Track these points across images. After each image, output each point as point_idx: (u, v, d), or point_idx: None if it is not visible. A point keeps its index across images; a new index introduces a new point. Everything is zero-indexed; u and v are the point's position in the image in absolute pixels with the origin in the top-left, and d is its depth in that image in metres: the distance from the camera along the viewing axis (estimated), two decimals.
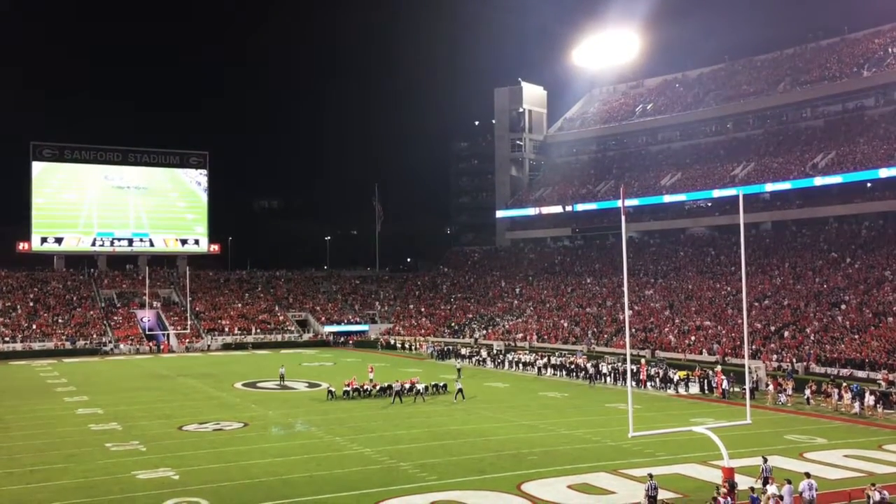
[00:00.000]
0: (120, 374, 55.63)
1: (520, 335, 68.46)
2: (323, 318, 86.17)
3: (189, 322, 78.35)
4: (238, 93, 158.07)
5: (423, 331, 78.64)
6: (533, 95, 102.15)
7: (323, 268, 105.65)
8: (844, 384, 37.87)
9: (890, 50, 71.85)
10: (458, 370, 50.23)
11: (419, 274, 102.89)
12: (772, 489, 19.23)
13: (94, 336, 74.79)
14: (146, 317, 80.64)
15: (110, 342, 74.29)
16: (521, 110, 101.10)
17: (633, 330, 59.06)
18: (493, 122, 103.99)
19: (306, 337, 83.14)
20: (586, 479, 23.37)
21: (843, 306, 52.41)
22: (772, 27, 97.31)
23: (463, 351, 63.47)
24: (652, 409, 36.89)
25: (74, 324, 76.50)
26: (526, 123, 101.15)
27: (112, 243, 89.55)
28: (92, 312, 79.51)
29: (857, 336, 47.27)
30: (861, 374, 42.20)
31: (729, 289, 61.70)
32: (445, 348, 66.94)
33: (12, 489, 22.97)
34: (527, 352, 59.91)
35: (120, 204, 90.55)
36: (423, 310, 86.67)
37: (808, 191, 67.42)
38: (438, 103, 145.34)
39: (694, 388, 43.64)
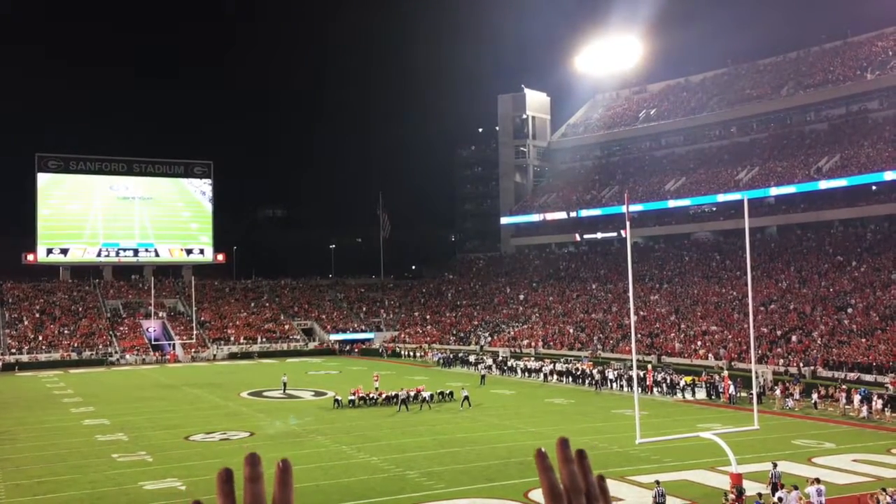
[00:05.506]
0: (126, 384, 55.66)
1: (525, 342, 68.33)
2: (328, 327, 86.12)
3: (195, 331, 78.41)
4: (242, 102, 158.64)
5: (428, 338, 78.58)
6: (536, 102, 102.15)
7: (328, 276, 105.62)
8: (844, 386, 37.73)
9: (893, 53, 71.78)
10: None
11: (424, 281, 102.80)
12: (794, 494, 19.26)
13: (100, 346, 74.85)
14: (152, 327, 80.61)
15: (116, 352, 74.38)
16: (524, 117, 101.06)
17: (639, 335, 58.89)
18: (497, 128, 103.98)
19: (312, 345, 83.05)
20: None
21: (850, 310, 52.25)
22: (775, 31, 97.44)
23: (472, 359, 63.34)
24: (659, 414, 36.81)
25: (80, 334, 76.60)
26: (529, 130, 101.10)
27: (117, 254, 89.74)
28: (98, 323, 79.58)
29: (864, 340, 47.12)
30: (868, 377, 42.04)
31: (735, 293, 61.54)
32: (451, 355, 66.87)
33: (20, 500, 22.99)
34: (532, 358, 59.84)
35: (125, 214, 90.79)
36: (428, 317, 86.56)
37: (813, 194, 67.34)
38: (442, 111, 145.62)
39: (701, 394, 43.56)
